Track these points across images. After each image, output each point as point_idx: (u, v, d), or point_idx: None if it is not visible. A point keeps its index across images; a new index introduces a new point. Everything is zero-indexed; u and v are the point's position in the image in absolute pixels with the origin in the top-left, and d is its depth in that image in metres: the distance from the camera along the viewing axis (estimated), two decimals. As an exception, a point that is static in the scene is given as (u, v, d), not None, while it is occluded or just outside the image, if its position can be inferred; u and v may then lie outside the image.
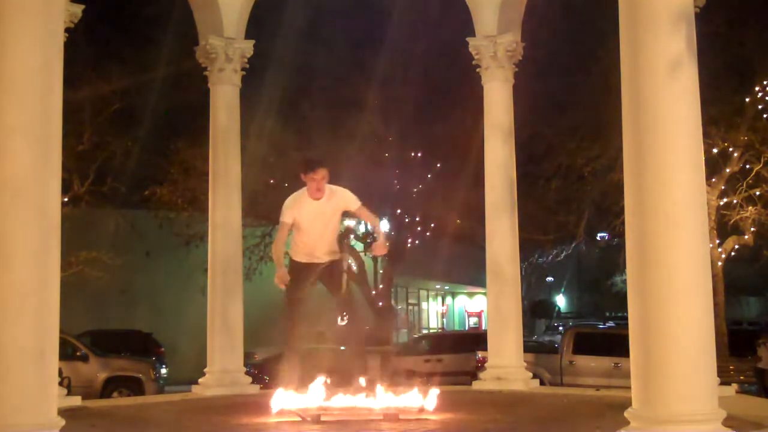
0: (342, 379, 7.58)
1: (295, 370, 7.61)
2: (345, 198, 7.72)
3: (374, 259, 22.29)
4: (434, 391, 7.18)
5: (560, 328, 32.98)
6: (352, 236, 19.49)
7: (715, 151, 17.54)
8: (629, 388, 5.35)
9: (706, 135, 12.23)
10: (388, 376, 7.68)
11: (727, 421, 5.24)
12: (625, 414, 5.32)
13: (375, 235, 7.92)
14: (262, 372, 16.40)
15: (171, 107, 19.57)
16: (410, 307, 40.29)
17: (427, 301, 42.95)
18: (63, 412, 5.26)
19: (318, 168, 7.50)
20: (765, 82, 17.73)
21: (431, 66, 20.11)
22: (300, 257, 7.79)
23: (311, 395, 7.13)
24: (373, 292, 19.41)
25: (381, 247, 8.02)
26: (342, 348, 8.68)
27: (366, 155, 18.47)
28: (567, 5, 17.63)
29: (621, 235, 11.32)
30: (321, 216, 7.62)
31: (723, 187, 18.38)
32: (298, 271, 7.74)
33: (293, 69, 18.78)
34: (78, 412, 7.81)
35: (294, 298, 7.74)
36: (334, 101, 19.26)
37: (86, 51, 16.83)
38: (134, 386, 17.16)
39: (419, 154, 21.08)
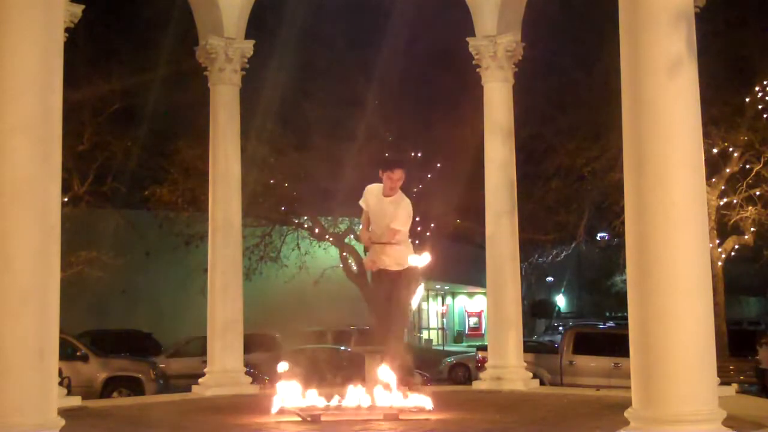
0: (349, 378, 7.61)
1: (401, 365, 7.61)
2: (404, 209, 7.77)
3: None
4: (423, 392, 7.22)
5: (560, 328, 32.96)
6: None
7: (715, 151, 17.54)
8: (629, 388, 5.35)
9: (706, 135, 12.21)
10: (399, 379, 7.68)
11: (727, 421, 5.24)
12: (625, 414, 5.32)
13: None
14: (262, 372, 16.39)
15: (171, 107, 19.54)
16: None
17: (427, 301, 42.92)
18: (63, 412, 5.26)
19: (396, 168, 7.69)
20: (765, 82, 17.73)
21: (431, 66, 20.12)
22: (379, 263, 7.88)
23: (312, 395, 7.15)
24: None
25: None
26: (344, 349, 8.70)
27: (366, 155, 18.46)
28: (567, 5, 17.63)
29: (621, 235, 11.30)
30: (386, 214, 7.75)
31: (723, 187, 18.38)
32: (373, 275, 8.00)
33: (293, 69, 18.78)
34: (78, 412, 7.81)
35: (373, 299, 8.03)
36: (334, 101, 19.26)
37: (86, 51, 16.82)
38: (134, 386, 17.15)
39: (419, 154, 21.08)
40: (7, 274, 4.90)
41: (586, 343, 17.21)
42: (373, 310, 7.98)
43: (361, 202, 7.96)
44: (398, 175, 7.68)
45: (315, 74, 19.85)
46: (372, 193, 7.92)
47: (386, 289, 7.83)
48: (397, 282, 7.72)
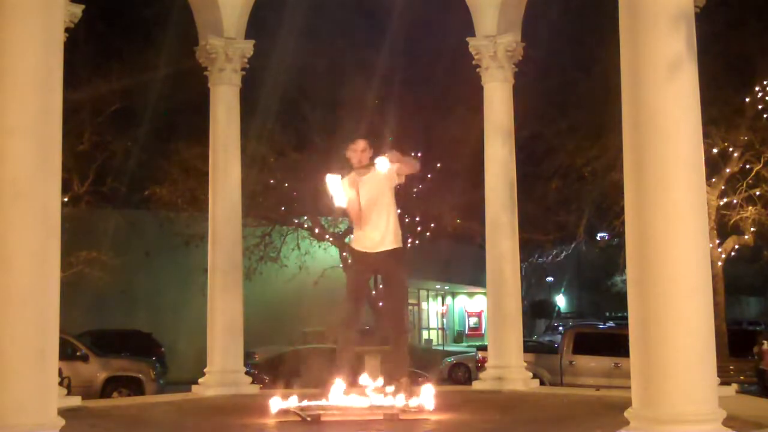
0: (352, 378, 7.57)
1: (345, 367, 7.48)
2: (381, 165, 7.33)
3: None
4: (431, 390, 7.20)
5: (560, 328, 32.98)
6: None
7: (715, 151, 17.54)
8: (629, 388, 5.34)
9: (706, 135, 12.23)
10: (389, 375, 7.67)
11: (727, 421, 5.24)
12: (625, 414, 5.32)
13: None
14: (262, 372, 16.41)
15: (171, 107, 19.57)
16: (410, 307, 40.30)
17: (427, 301, 42.92)
18: (63, 412, 5.26)
19: (357, 139, 7.44)
20: (765, 82, 17.74)
21: (431, 66, 20.12)
22: (357, 245, 7.67)
23: (311, 395, 7.16)
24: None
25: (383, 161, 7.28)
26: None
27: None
28: (567, 5, 17.65)
29: (621, 235, 11.32)
30: (370, 193, 7.47)
31: (723, 187, 18.38)
32: (356, 260, 7.73)
33: (293, 69, 18.79)
34: (78, 412, 7.80)
35: (352, 290, 7.65)
36: (334, 101, 19.28)
37: (86, 51, 16.84)
38: (134, 386, 17.16)
39: (419, 154, 21.08)
40: (7, 274, 4.90)
41: (586, 343, 17.21)
42: (350, 299, 7.51)
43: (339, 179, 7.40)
44: (361, 146, 7.34)
45: (315, 74, 19.87)
46: (348, 182, 7.49)
47: (366, 276, 7.65)
48: (387, 263, 7.47)
